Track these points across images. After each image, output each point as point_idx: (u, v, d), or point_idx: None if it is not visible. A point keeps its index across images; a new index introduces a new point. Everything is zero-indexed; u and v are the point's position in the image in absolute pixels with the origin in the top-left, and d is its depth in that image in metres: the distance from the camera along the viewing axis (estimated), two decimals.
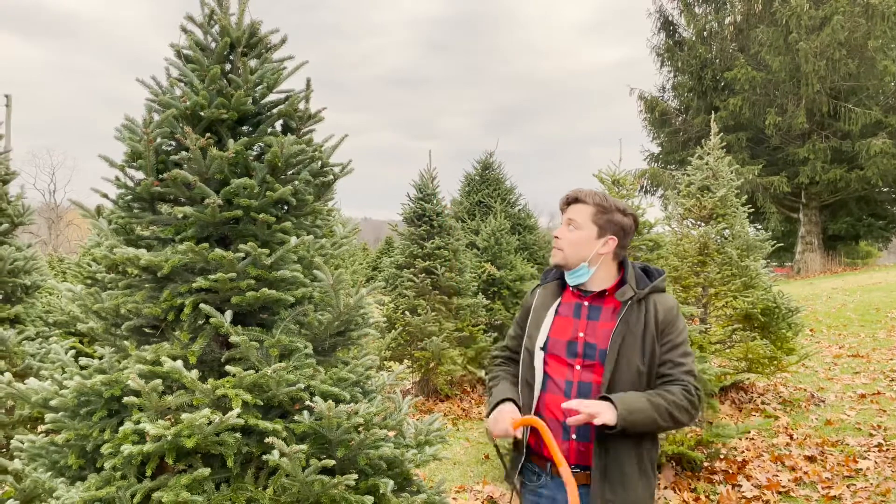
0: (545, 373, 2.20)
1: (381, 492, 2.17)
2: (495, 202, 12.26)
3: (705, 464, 4.94)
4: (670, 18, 28.36)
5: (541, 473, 2.24)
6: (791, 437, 5.76)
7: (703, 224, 6.69)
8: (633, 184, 5.79)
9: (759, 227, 24.99)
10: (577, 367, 2.15)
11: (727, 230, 6.63)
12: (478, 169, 13.16)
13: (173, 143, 2.36)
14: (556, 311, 2.27)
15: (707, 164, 6.83)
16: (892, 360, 8.49)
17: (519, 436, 2.24)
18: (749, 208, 7.03)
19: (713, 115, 8.58)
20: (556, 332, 2.22)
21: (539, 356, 2.22)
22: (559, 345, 2.20)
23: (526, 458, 2.28)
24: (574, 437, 2.13)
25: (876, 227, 27.94)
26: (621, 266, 2.29)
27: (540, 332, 2.24)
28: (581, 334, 2.18)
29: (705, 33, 27.07)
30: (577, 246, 2.20)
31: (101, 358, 2.28)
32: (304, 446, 1.97)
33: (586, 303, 2.23)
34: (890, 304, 12.70)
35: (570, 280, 2.25)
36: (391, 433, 2.40)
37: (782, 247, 24.11)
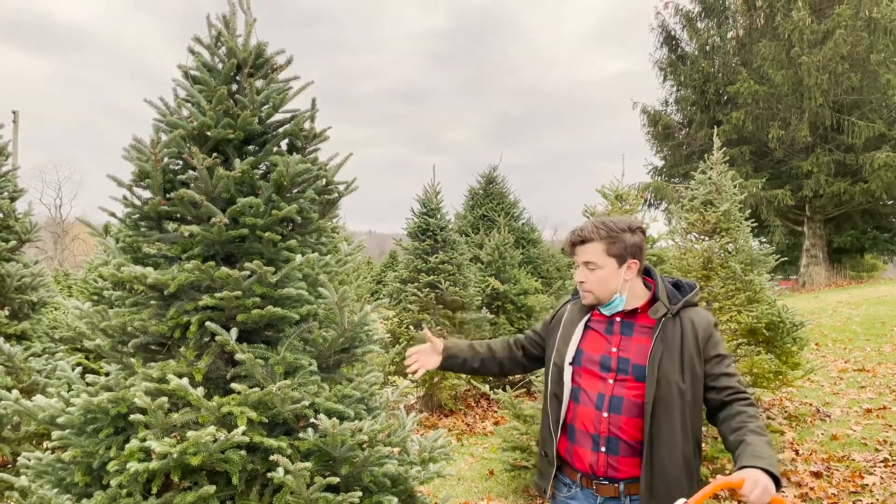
0: (577, 385, 2.22)
1: None
2: (499, 216, 12.29)
3: (710, 479, 4.90)
4: (673, 33, 28.55)
5: (571, 485, 2.26)
6: (797, 452, 5.73)
7: (706, 238, 6.70)
8: (636, 199, 5.82)
9: (764, 240, 24.94)
10: (611, 381, 2.16)
11: (731, 244, 6.63)
12: (481, 183, 13.23)
13: (180, 162, 2.40)
14: (587, 326, 2.28)
15: (710, 178, 6.85)
16: None
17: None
18: (753, 222, 7.04)
19: (716, 129, 8.62)
20: (589, 347, 2.24)
21: (568, 371, 2.24)
22: (592, 359, 2.21)
23: (558, 470, 2.30)
24: (604, 449, 2.14)
25: (881, 239, 27.88)
26: (647, 276, 2.30)
27: (569, 348, 2.26)
28: (614, 349, 2.19)
29: (708, 48, 27.20)
30: (603, 283, 2.19)
31: (107, 375, 2.30)
32: (308, 463, 1.98)
33: (618, 318, 2.24)
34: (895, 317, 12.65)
35: (607, 311, 2.25)
36: (395, 450, 2.40)
37: (787, 260, 24.02)
